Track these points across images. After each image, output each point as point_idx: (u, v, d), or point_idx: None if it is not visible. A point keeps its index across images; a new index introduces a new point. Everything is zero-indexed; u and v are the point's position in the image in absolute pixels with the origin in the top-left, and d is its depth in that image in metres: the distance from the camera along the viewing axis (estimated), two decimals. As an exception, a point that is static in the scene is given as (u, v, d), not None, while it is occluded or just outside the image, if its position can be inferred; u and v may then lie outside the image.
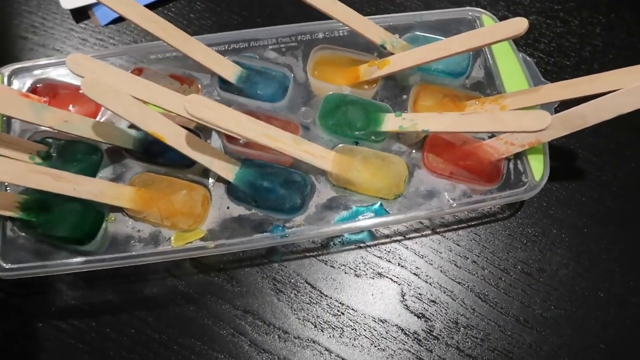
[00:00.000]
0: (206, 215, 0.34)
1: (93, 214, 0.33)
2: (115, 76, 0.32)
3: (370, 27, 0.37)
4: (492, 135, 0.36)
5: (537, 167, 0.35)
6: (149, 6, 0.43)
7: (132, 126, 0.35)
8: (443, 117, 0.33)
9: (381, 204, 0.34)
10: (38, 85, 0.37)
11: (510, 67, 0.38)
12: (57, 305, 0.34)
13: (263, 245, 0.34)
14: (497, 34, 0.33)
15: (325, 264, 0.36)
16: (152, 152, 0.35)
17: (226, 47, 0.39)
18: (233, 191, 0.34)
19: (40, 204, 0.32)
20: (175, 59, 0.38)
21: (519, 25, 0.31)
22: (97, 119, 0.36)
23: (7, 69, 0.37)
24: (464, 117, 0.32)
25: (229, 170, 0.34)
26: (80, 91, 0.29)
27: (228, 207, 0.34)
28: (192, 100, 0.29)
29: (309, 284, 0.36)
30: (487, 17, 0.39)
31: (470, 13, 0.40)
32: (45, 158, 0.34)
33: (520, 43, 0.43)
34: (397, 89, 0.38)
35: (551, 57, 0.43)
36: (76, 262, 0.32)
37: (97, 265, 0.32)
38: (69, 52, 0.42)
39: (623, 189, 0.38)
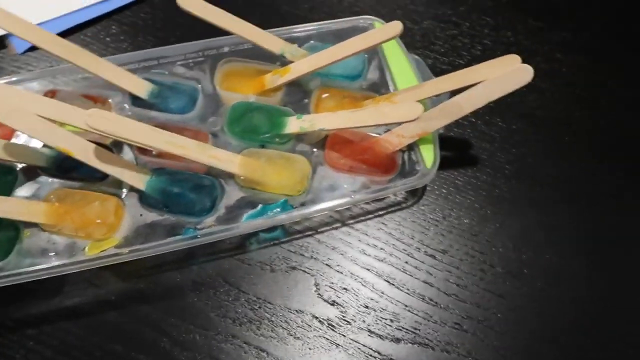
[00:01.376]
0: (120, 224, 0.35)
1: (9, 231, 0.34)
2: (22, 98, 0.33)
3: (269, 39, 0.40)
4: (388, 130, 0.39)
5: (428, 156, 0.38)
6: (66, 31, 0.46)
7: (45, 145, 0.37)
8: (336, 115, 0.36)
9: (286, 200, 0.37)
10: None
11: (402, 68, 0.41)
12: (-23, 323, 0.35)
13: (176, 248, 0.36)
14: (378, 36, 0.36)
15: (243, 262, 0.38)
16: (65, 168, 0.37)
17: (137, 66, 0.41)
18: (145, 199, 0.36)
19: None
20: (87, 79, 0.40)
21: (395, 27, 0.35)
22: (13, 140, 0.38)
23: None
24: (352, 114, 0.35)
25: (139, 180, 0.36)
26: None
27: (141, 215, 0.36)
28: (93, 114, 0.31)
29: (227, 282, 0.38)
30: (378, 24, 0.43)
31: (362, 21, 0.43)
32: (-42, 181, 0.36)
33: (416, 46, 0.47)
34: (300, 94, 0.41)
35: (445, 57, 0.47)
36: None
37: (13, 280, 0.33)
38: (-15, 80, 0.44)
39: (514, 172, 0.42)
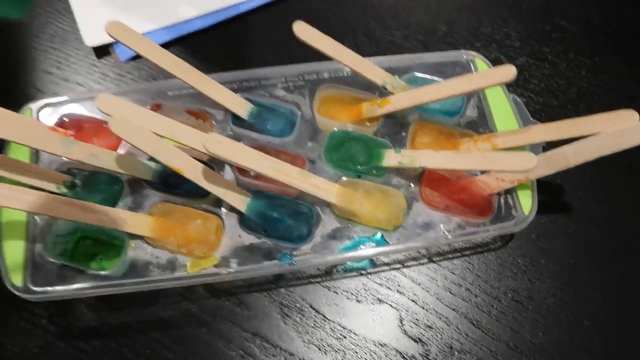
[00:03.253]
0: (219, 243, 0.36)
1: (116, 241, 0.36)
2: (139, 114, 0.34)
3: (372, 69, 0.40)
4: (485, 171, 0.39)
5: (526, 202, 0.37)
6: (166, 43, 0.47)
7: (151, 159, 0.38)
8: (439, 154, 0.36)
9: (382, 235, 0.37)
10: (64, 119, 0.40)
11: (501, 108, 0.41)
12: (79, 326, 0.37)
13: (272, 272, 0.36)
14: (488, 80, 0.36)
15: (329, 289, 0.39)
16: (169, 183, 0.38)
17: (239, 85, 0.42)
18: (245, 221, 0.37)
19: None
20: (190, 95, 0.41)
21: (508, 72, 0.35)
22: (118, 150, 0.39)
23: (36, 104, 0.40)
24: (458, 155, 0.35)
25: (240, 201, 0.37)
26: (105, 126, 0.32)
27: (240, 236, 0.37)
28: (210, 139, 0.32)
29: (314, 308, 0.38)
30: (480, 61, 0.43)
31: (464, 56, 0.43)
32: (70, 188, 0.37)
33: (511, 84, 0.46)
34: (396, 126, 0.41)
35: (540, 96, 0.46)
36: (99, 286, 0.34)
37: (118, 289, 0.34)
38: (91, 86, 0.45)
39: (607, 223, 0.41)
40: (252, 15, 0.50)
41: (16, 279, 0.34)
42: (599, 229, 0.41)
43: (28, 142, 0.33)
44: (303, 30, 0.37)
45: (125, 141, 0.32)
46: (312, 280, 0.39)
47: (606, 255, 0.40)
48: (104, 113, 0.33)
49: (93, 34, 0.46)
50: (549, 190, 0.42)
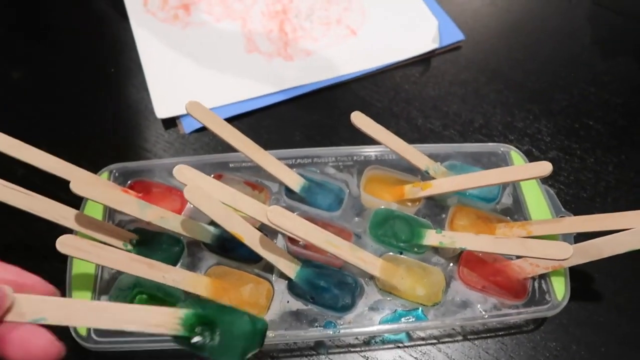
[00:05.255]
0: (269, 307, 0.39)
1: (171, 299, 0.38)
2: (208, 184, 0.38)
3: (416, 155, 0.44)
4: (520, 256, 0.41)
5: (559, 288, 0.40)
6: (226, 119, 0.52)
7: (212, 223, 0.41)
8: (479, 238, 0.39)
9: (422, 310, 0.39)
10: (135, 183, 0.44)
11: (535, 197, 0.44)
12: (130, 378, 0.38)
13: (316, 338, 0.38)
14: (526, 173, 0.39)
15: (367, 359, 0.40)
16: (226, 247, 0.41)
17: (293, 162, 0.46)
18: (293, 287, 0.40)
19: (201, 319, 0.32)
20: (249, 168, 0.45)
21: (544, 168, 0.38)
22: (182, 214, 0.43)
23: (112, 168, 0.44)
24: (497, 241, 0.38)
25: (291, 269, 0.39)
26: (173, 192, 0.36)
27: (288, 301, 0.39)
28: (273, 211, 0.35)
29: (351, 377, 0.40)
30: (515, 153, 0.46)
31: (501, 148, 0.47)
32: (136, 245, 0.40)
33: (542, 174, 0.50)
34: (437, 208, 0.44)
35: (570, 188, 0.49)
36: (155, 340, 0.37)
37: (172, 345, 0.36)
38: (157, 153, 0.50)
39: (638, 313, 0.43)
40: (305, 98, 0.55)
41: (82, 329, 0.37)
42: (630, 319, 0.42)
43: (110, 203, 0.37)
44: (360, 120, 0.41)
45: (195, 208, 0.36)
46: (350, 349, 0.41)
47: (637, 346, 0.41)
48: (180, 182, 0.37)
49: (164, 107, 0.51)
50: (579, 277, 0.44)
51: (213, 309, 0.32)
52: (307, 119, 0.54)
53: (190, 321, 0.31)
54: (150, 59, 0.56)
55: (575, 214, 0.42)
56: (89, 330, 0.37)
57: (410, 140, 0.44)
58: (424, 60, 0.58)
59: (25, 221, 0.36)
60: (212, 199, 0.37)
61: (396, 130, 0.51)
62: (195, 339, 0.31)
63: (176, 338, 0.31)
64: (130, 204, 0.38)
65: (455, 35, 0.60)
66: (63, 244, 0.34)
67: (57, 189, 0.37)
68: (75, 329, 0.37)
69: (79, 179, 0.35)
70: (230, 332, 0.32)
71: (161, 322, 0.31)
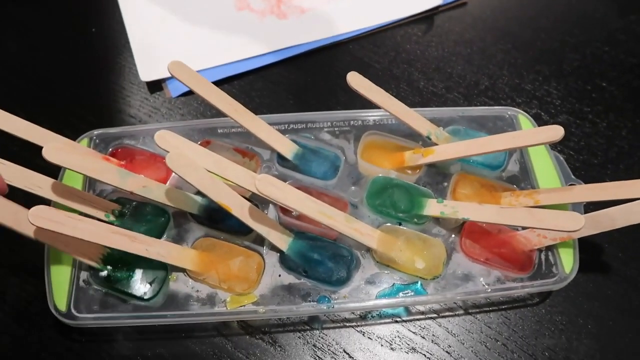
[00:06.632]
0: (259, 281, 0.37)
1: (159, 273, 0.36)
2: (194, 151, 0.36)
3: (418, 120, 0.41)
4: (526, 227, 0.39)
5: (567, 260, 0.37)
6: (216, 82, 0.49)
7: (198, 193, 0.39)
8: (483, 208, 0.36)
9: (421, 284, 0.37)
10: (117, 150, 0.41)
11: (544, 164, 0.41)
12: (112, 354, 0.37)
13: (309, 313, 0.36)
14: (535, 138, 0.36)
15: (363, 335, 0.39)
16: (214, 218, 0.39)
17: (286, 127, 0.43)
18: (285, 260, 0.37)
19: (118, 260, 0.36)
20: (239, 133, 0.42)
21: (554, 133, 0.35)
22: (167, 184, 0.40)
23: (92, 134, 0.41)
24: (503, 211, 0.36)
25: (283, 241, 0.37)
26: (158, 159, 0.33)
27: (280, 275, 0.37)
28: (262, 179, 0.33)
29: (347, 353, 0.38)
30: (523, 117, 0.43)
31: (509, 112, 0.44)
32: (118, 216, 0.38)
33: (551, 140, 0.47)
34: (438, 176, 0.42)
35: (580, 154, 0.47)
36: (139, 316, 0.35)
37: (158, 321, 0.35)
38: (142, 119, 0.47)
39: (647, 286, 0.41)
40: (300, 59, 0.51)
41: (60, 304, 0.35)
42: (639, 291, 0.40)
43: (87, 172, 0.34)
44: (356, 81, 0.38)
45: (180, 176, 0.34)
46: (346, 324, 0.39)
47: (647, 320, 0.39)
48: (162, 149, 0.34)
49: (148, 70, 0.48)
50: (588, 249, 0.42)
51: None
52: (301, 81, 0.50)
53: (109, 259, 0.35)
54: (133, 17, 0.52)
55: (585, 182, 0.39)
56: (68, 305, 0.35)
57: (411, 103, 0.41)
58: (426, 17, 0.54)
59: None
60: (197, 167, 0.34)
61: (397, 93, 0.48)
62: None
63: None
64: (110, 172, 0.35)
65: (461, -10, 0.56)
66: (36, 216, 0.31)
67: (35, 156, 0.34)
68: (54, 305, 0.35)
69: (53, 145, 0.33)
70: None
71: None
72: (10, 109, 0.36)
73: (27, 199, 0.34)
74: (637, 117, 0.48)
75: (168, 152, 0.33)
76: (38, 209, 0.31)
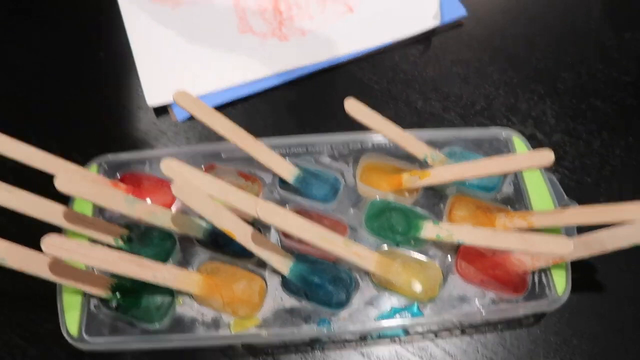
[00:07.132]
0: (262, 304, 0.38)
1: (166, 298, 0.38)
2: (198, 178, 0.37)
3: (415, 143, 0.42)
4: (520, 248, 0.40)
5: (560, 282, 0.38)
6: (220, 105, 0.50)
7: (202, 218, 0.40)
8: (477, 231, 0.38)
9: (418, 307, 0.38)
10: (125, 175, 0.43)
11: (537, 186, 0.43)
12: (122, 376, 0.38)
13: (310, 336, 0.38)
14: (526, 164, 0.38)
15: (363, 355, 0.40)
16: (218, 242, 0.40)
17: (287, 150, 0.44)
18: (287, 284, 0.39)
19: (127, 288, 0.37)
20: (242, 159, 0.44)
21: (545, 158, 0.36)
22: (172, 208, 0.42)
23: (101, 160, 0.43)
24: (495, 234, 0.37)
25: (284, 265, 0.38)
26: (165, 185, 0.35)
27: (282, 299, 0.38)
28: (264, 207, 0.34)
29: (348, 372, 0.39)
30: (517, 139, 0.45)
31: (503, 133, 0.45)
32: (127, 241, 0.39)
33: (546, 160, 0.48)
34: (435, 198, 0.43)
35: (574, 174, 0.48)
36: (148, 340, 0.36)
37: (166, 344, 0.36)
38: (149, 143, 0.49)
39: (640, 304, 0.42)
40: (301, 81, 0.53)
41: (72, 329, 0.36)
42: (635, 310, 0.41)
43: (96, 200, 0.36)
44: (353, 107, 0.39)
45: (185, 204, 0.35)
46: (346, 344, 0.40)
47: None
48: (168, 176, 0.36)
49: (155, 94, 0.50)
50: (581, 268, 0.43)
51: None
52: (303, 103, 0.52)
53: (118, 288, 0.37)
54: (140, 42, 0.54)
55: (579, 201, 0.40)
56: (80, 330, 0.36)
57: (409, 123, 0.42)
58: (424, 38, 0.56)
59: (14, 214, 0.35)
60: (201, 195, 0.35)
61: (395, 113, 0.49)
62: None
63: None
64: (118, 200, 0.37)
65: (457, 10, 0.57)
66: (49, 244, 0.33)
67: (48, 181, 0.34)
68: (67, 329, 0.36)
69: (64, 175, 0.34)
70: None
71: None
72: (20, 131, 0.38)
73: (39, 221, 0.36)
74: (630, 136, 0.50)
75: (172, 180, 0.35)
76: (51, 237, 0.33)
